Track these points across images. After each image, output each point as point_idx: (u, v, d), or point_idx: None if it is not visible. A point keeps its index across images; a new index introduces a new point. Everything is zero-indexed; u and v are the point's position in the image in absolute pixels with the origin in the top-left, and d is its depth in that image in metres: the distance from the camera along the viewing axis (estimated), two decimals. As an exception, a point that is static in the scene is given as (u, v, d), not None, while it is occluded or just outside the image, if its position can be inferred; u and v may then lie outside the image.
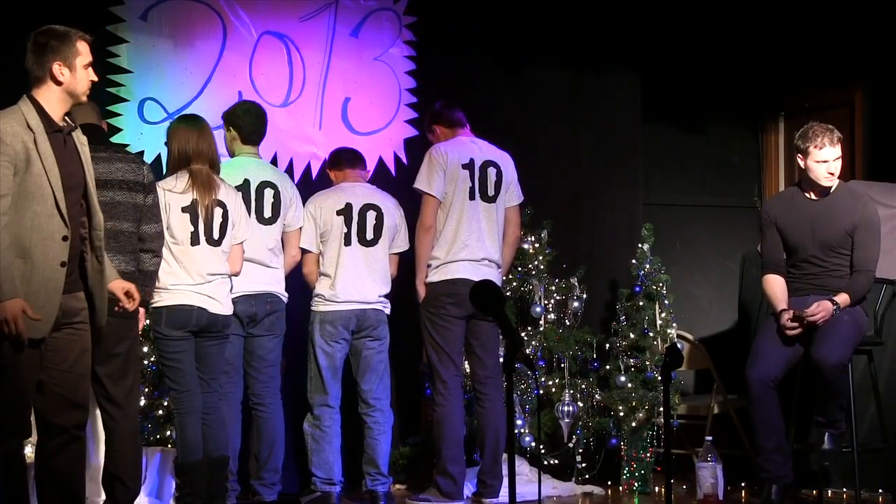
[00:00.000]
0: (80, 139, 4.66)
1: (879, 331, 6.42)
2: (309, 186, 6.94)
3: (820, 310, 5.92)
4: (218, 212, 5.76)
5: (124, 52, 6.90)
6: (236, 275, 5.95)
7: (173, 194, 5.71)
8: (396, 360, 6.73)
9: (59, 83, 4.54)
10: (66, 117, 4.62)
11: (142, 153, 6.62)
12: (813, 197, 6.13)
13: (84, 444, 4.74)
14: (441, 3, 7.53)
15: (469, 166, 6.45)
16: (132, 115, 6.89)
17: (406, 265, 6.63)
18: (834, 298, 5.96)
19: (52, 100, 4.55)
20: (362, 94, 7.40)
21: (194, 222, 5.71)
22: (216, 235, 5.76)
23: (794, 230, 6.15)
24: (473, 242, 6.41)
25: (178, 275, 5.70)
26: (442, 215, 6.41)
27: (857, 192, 6.18)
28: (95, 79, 4.65)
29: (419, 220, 6.42)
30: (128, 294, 4.89)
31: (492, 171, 6.52)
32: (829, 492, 6.66)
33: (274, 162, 7.03)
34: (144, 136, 6.88)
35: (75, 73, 4.56)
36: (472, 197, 6.44)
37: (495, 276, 6.45)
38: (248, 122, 6.25)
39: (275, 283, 6.22)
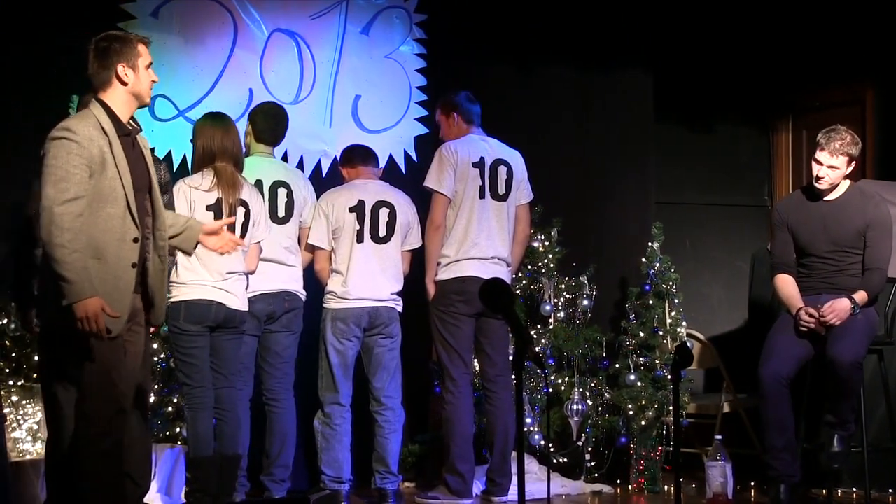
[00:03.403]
0: (144, 141, 4.79)
1: (890, 330, 6.43)
2: (319, 184, 6.92)
3: (834, 310, 5.94)
4: (240, 211, 5.81)
5: (135, 49, 6.91)
6: (251, 273, 5.98)
7: (199, 192, 5.75)
8: (406, 357, 6.73)
9: (124, 84, 4.65)
10: (131, 120, 4.72)
11: (152, 150, 6.63)
12: (825, 197, 6.14)
13: (146, 436, 4.89)
14: (451, 1, 7.54)
15: (479, 164, 6.46)
16: (143, 112, 6.84)
17: (416, 263, 6.65)
18: (852, 297, 5.97)
19: (119, 102, 4.67)
20: (372, 91, 7.42)
21: (218, 221, 5.74)
22: (237, 235, 5.79)
23: (806, 230, 6.16)
24: (483, 241, 6.42)
25: (197, 271, 5.73)
26: (452, 213, 6.42)
27: (868, 193, 6.19)
28: (156, 79, 4.78)
29: (429, 218, 6.43)
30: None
31: (502, 170, 6.53)
32: (839, 491, 6.66)
33: (284, 159, 7.03)
34: (155, 133, 6.89)
35: (138, 73, 4.68)
36: (482, 195, 6.45)
37: (505, 274, 6.46)
38: (262, 122, 6.31)
39: (293, 282, 6.26)
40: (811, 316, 6.00)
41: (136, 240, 4.59)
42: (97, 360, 4.53)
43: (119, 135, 4.61)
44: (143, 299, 4.76)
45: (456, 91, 6.60)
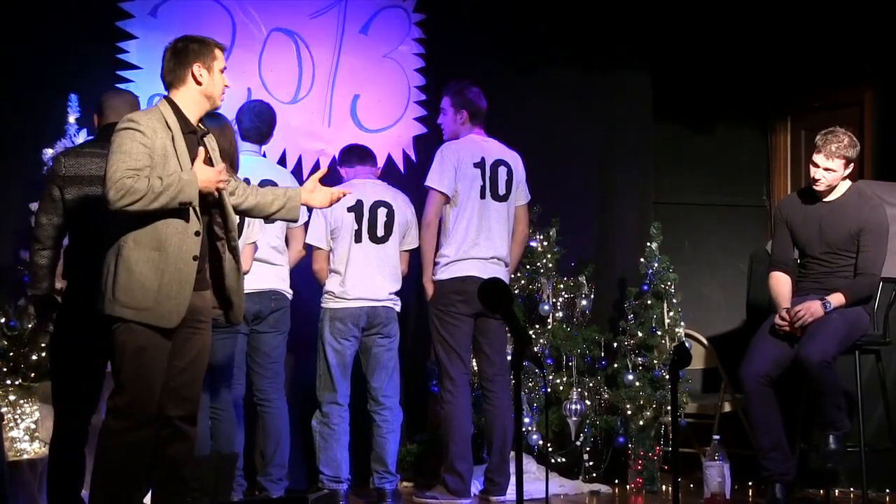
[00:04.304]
0: (211, 144, 4.82)
1: (886, 330, 6.41)
2: None
3: (803, 309, 5.95)
4: None
5: (134, 48, 6.93)
6: (245, 273, 5.95)
7: None
8: (404, 357, 6.75)
9: (198, 83, 4.70)
10: (200, 122, 4.75)
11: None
12: (824, 199, 6.15)
13: (192, 439, 4.84)
14: (450, 1, 7.56)
15: (480, 165, 6.48)
16: None
17: (415, 263, 6.67)
18: (826, 298, 5.98)
19: (189, 102, 4.71)
20: (371, 91, 7.44)
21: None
22: None
23: (803, 229, 6.18)
24: (483, 241, 6.44)
25: None
26: (452, 213, 6.44)
27: (866, 195, 6.19)
28: (229, 84, 4.81)
29: (423, 216, 6.46)
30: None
31: (502, 170, 6.55)
32: (836, 491, 6.68)
33: (283, 159, 7.08)
34: (153, 133, 6.91)
35: (213, 75, 4.71)
36: (482, 196, 6.47)
37: (503, 274, 6.48)
38: (248, 120, 6.29)
39: (279, 281, 6.25)
40: (782, 320, 6.03)
41: (197, 233, 4.63)
42: (142, 357, 4.56)
43: (184, 132, 4.66)
44: (219, 299, 4.83)
45: (469, 86, 6.58)
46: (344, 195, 5.14)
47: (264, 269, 6.14)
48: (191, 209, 4.60)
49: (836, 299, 5.99)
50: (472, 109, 6.53)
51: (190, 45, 4.72)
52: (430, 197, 6.44)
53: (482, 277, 6.01)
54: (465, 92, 6.53)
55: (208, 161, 4.69)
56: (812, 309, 5.95)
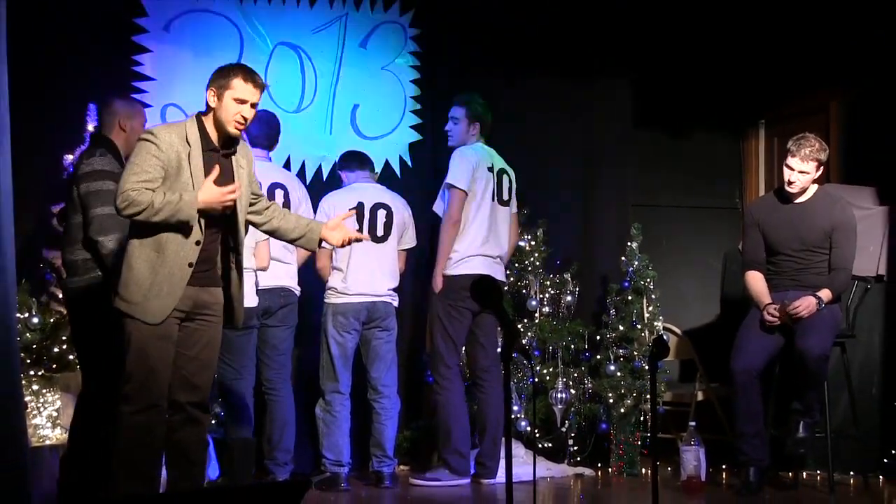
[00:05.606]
0: (240, 162, 4.93)
1: (853, 325, 6.61)
2: (319, 187, 7.12)
3: (803, 304, 6.10)
4: None
5: (148, 61, 7.09)
6: (264, 270, 6.13)
7: None
8: (402, 349, 6.86)
9: (209, 108, 4.83)
10: (226, 143, 4.86)
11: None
12: (795, 200, 6.30)
13: (203, 425, 4.95)
14: (443, 18, 7.67)
15: (491, 170, 6.66)
16: (155, 120, 6.93)
17: (410, 261, 6.80)
18: (818, 294, 6.14)
19: (209, 123, 4.84)
20: (370, 101, 7.55)
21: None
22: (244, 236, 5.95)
23: (776, 230, 6.32)
24: (492, 240, 6.61)
25: None
26: (465, 211, 6.57)
27: (834, 196, 6.35)
28: (249, 116, 4.82)
29: (447, 213, 6.53)
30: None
31: (506, 179, 6.75)
32: (805, 474, 6.86)
33: (287, 164, 7.20)
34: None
35: (223, 102, 4.78)
36: (493, 198, 6.66)
37: (502, 273, 6.69)
38: (256, 128, 6.33)
39: (288, 278, 6.38)
40: (773, 314, 6.16)
41: (198, 242, 4.74)
42: (146, 347, 4.71)
43: (203, 149, 4.77)
44: (227, 304, 4.95)
45: (479, 99, 6.69)
46: (359, 240, 5.24)
47: (275, 266, 6.26)
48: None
49: (826, 295, 6.14)
50: (483, 122, 6.68)
51: (219, 70, 4.85)
52: (452, 195, 6.51)
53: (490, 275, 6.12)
54: (478, 108, 6.66)
55: (229, 179, 4.81)
56: (810, 305, 6.09)
